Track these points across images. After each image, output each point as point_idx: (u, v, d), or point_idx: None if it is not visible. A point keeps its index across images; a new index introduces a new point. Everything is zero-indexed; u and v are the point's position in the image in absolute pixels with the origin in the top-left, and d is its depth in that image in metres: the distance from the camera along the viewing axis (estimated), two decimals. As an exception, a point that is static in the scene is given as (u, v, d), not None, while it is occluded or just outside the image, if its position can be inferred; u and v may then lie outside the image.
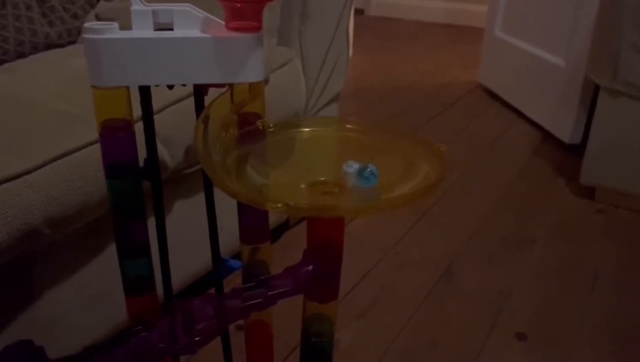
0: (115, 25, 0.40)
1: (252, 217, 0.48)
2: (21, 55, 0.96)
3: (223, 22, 0.41)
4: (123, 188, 0.44)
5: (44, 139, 0.65)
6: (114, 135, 0.43)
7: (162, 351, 0.38)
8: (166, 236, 0.52)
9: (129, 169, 0.44)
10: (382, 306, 1.03)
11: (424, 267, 1.15)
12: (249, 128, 0.42)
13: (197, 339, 0.38)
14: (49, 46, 1.00)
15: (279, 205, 0.31)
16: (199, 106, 0.48)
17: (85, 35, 0.40)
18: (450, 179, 1.51)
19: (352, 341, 0.95)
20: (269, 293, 0.40)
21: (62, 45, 1.02)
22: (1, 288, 0.66)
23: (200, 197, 0.91)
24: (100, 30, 0.39)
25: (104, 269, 0.78)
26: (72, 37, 1.05)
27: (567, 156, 1.66)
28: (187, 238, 0.87)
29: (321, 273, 0.41)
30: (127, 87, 0.42)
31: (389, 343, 0.95)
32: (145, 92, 0.46)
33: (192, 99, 0.80)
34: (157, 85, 0.43)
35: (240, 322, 0.95)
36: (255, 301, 0.40)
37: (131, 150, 0.44)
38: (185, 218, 0.88)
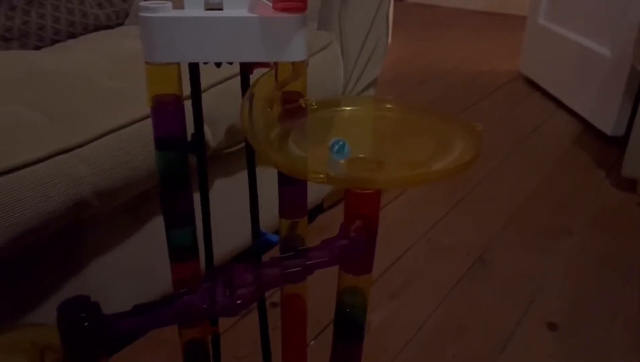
0: (169, 4, 0.42)
1: (291, 192, 0.50)
2: (72, 35, 1.00)
3: (270, 3, 0.43)
4: (171, 160, 0.47)
5: (94, 114, 0.69)
6: (163, 109, 0.45)
7: (204, 312, 0.41)
8: (209, 208, 0.54)
9: (176, 142, 0.47)
10: (414, 289, 1.05)
11: (457, 254, 1.15)
12: (292, 105, 0.44)
13: (238, 302, 0.40)
14: (98, 27, 1.04)
15: (321, 175, 0.32)
16: (245, 84, 0.50)
17: (140, 14, 0.42)
18: (487, 167, 1.50)
19: (383, 322, 0.97)
20: (307, 263, 0.42)
21: (110, 27, 1.06)
22: (52, 254, 0.70)
23: (239, 176, 0.95)
24: (155, 9, 0.41)
25: (145, 241, 0.81)
26: (119, 19, 1.09)
27: (608, 148, 1.62)
28: (226, 215, 0.90)
29: (357, 246, 0.43)
30: (178, 64, 0.44)
31: (418, 326, 0.96)
32: (194, 69, 0.49)
33: (232, 81, 0.83)
34: (205, 63, 0.45)
35: (276, 299, 0.98)
36: (294, 270, 0.42)
37: (179, 124, 0.46)
38: (224, 196, 0.91)
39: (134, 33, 0.98)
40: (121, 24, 1.09)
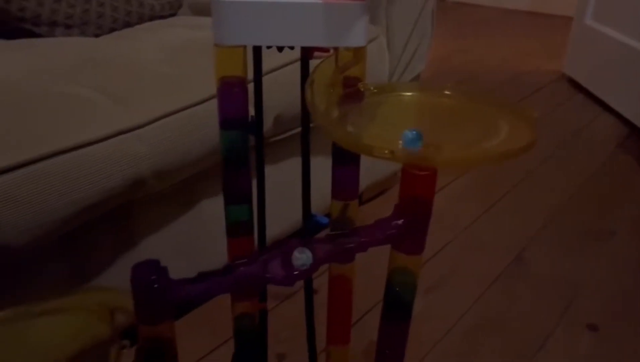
0: (239, -11, 0.44)
1: (344, 174, 0.52)
2: (128, 24, 1.04)
3: (333, -10, 0.45)
4: (234, 139, 0.49)
5: (152, 98, 0.72)
6: (229, 91, 0.47)
7: (263, 281, 0.43)
8: (265, 187, 0.56)
9: (239, 122, 0.49)
10: (451, 283, 1.05)
11: (496, 251, 1.15)
12: (351, 90, 0.46)
13: (295, 273, 0.43)
14: (153, 17, 1.08)
15: (386, 151, 0.34)
16: (304, 69, 0.52)
17: (213, -1, 0.44)
18: (528, 167, 1.49)
19: (419, 314, 0.98)
20: (361, 240, 0.44)
21: (163, 17, 1.10)
22: (108, 229, 0.74)
23: (285, 163, 0.97)
24: (226, -6, 0.44)
25: (192, 222, 0.85)
26: (173, 9, 1.12)
27: (655, 152, 1.58)
28: (272, 201, 0.93)
29: (410, 226, 0.44)
30: (244, 47, 0.46)
31: (454, 320, 0.97)
32: (257, 53, 0.51)
33: (278, 73, 0.85)
34: (268, 48, 0.48)
35: (315, 286, 1.00)
36: (348, 246, 0.44)
37: (243, 105, 0.48)
38: (268, 183, 0.93)
39: (186, 23, 1.02)
40: (174, 15, 1.13)
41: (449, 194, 1.35)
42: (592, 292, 1.04)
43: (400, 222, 0.44)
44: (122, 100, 0.69)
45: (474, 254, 1.14)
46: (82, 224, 0.66)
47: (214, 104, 0.75)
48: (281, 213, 0.96)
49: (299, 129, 0.94)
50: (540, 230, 1.22)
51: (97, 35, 1.00)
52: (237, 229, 0.53)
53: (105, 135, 0.64)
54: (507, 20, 3.17)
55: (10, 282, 0.64)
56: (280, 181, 0.94)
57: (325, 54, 0.50)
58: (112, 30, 1.02)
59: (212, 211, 0.86)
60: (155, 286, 0.40)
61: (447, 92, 0.45)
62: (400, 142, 0.37)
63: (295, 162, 0.97)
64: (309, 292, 0.64)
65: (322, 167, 0.91)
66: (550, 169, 1.49)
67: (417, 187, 0.43)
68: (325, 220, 0.59)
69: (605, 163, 1.52)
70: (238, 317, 0.57)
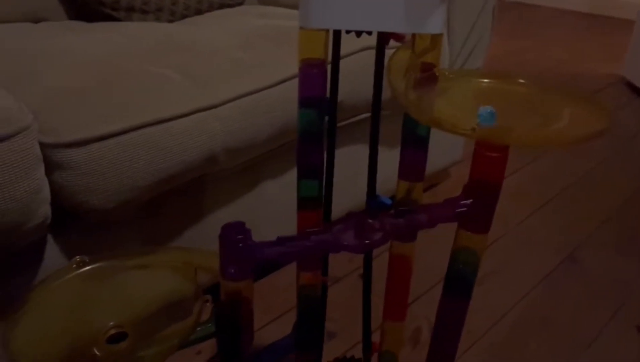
0: (325, -24, 0.47)
1: (413, 155, 0.55)
2: (199, 11, 1.10)
3: (414, -22, 0.47)
4: (311, 117, 0.53)
5: (227, 80, 0.76)
6: (310, 71, 0.51)
7: (336, 248, 0.46)
8: (334, 165, 0.60)
9: (317, 101, 0.52)
10: (501, 277, 1.06)
11: (547, 249, 1.15)
12: (427, 74, 0.48)
13: (366, 242, 0.46)
14: (222, 6, 1.13)
15: (468, 128, 0.36)
16: (380, 54, 0.55)
17: (300, -16, 0.48)
18: (583, 168, 1.47)
19: (468, 304, 0.99)
20: (431, 216, 0.46)
21: (231, 6, 1.15)
22: (181, 201, 0.79)
23: (342, 152, 1.00)
24: (313, -20, 0.47)
25: (257, 200, 0.89)
26: (240, -2, 1.17)
27: None
28: (337, 180, 0.96)
29: (478, 206, 0.47)
30: (327, 31, 0.50)
31: (502, 313, 0.98)
32: (337, 36, 0.54)
33: (347, 60, 0.88)
34: (347, 33, 0.51)
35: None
36: (419, 221, 0.46)
37: (322, 85, 0.52)
38: (336, 163, 0.96)
39: (255, 12, 1.06)
40: (241, 4, 1.17)
41: (503, 190, 1.35)
42: (645, 296, 1.03)
43: (468, 201, 0.47)
44: (200, 81, 0.74)
45: (526, 251, 1.14)
46: (159, 194, 0.71)
47: (284, 87, 0.78)
48: (345, 193, 0.98)
49: (359, 117, 0.97)
50: (594, 230, 1.21)
51: (170, 21, 1.06)
52: (307, 203, 0.57)
53: (185, 111, 0.69)
54: (565, 22, 3.10)
55: (96, 242, 0.70)
56: (345, 163, 0.97)
57: (399, 42, 0.52)
58: (184, 16, 1.08)
59: (273, 191, 0.90)
60: (240, 245, 0.44)
61: (521, 81, 0.47)
62: (477, 121, 0.39)
63: (356, 149, 1.00)
64: (368, 269, 0.67)
65: (382, 155, 0.94)
66: (607, 171, 1.46)
67: (488, 168, 0.45)
68: (389, 201, 0.61)
69: (663, 169, 1.49)
70: (303, 287, 0.61)
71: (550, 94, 0.46)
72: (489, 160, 0.44)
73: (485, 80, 0.47)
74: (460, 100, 0.44)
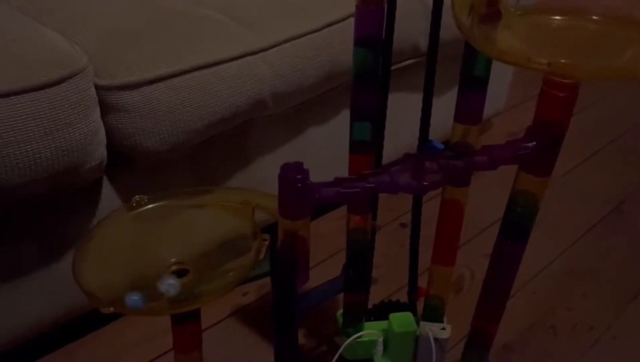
0: None
1: (471, 98, 0.53)
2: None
3: None
4: (366, 57, 0.51)
5: (276, 23, 0.75)
6: (367, 9, 0.49)
7: (394, 189, 0.46)
8: (387, 106, 0.59)
9: (373, 40, 0.51)
10: (545, 228, 1.05)
11: (592, 202, 1.12)
12: (491, 10, 0.46)
13: (424, 183, 0.45)
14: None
15: (544, 62, 0.35)
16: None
17: None
18: (633, 120, 1.42)
19: (511, 254, 0.99)
20: (492, 157, 0.46)
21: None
22: (229, 145, 0.79)
23: (397, 94, 0.96)
24: None
25: (301, 146, 0.89)
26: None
27: None
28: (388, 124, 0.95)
29: (542, 148, 0.46)
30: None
31: (546, 263, 0.97)
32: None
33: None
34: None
35: (405, 220, 1.03)
36: (479, 162, 0.46)
37: (378, 24, 0.50)
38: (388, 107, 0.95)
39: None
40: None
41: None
42: (696, 249, 1.00)
43: (532, 143, 0.45)
44: (249, 24, 0.73)
45: (571, 202, 1.12)
46: (209, 138, 0.72)
47: (332, 31, 0.77)
48: (392, 140, 0.97)
49: (404, 63, 0.94)
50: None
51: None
52: (359, 146, 0.57)
53: (234, 55, 0.68)
54: None
55: (149, 183, 0.72)
56: (396, 107, 0.95)
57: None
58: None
59: (318, 138, 0.90)
60: (300, 184, 0.44)
61: (594, 17, 0.44)
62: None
63: (399, 97, 0.98)
64: (417, 213, 0.67)
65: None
66: (657, 124, 1.41)
67: (555, 108, 0.44)
68: (441, 146, 0.60)
69: None
70: (353, 231, 0.61)
71: (622, 28, 0.44)
72: (556, 100, 0.43)
73: (554, 17, 0.45)
74: (527, 36, 0.43)
